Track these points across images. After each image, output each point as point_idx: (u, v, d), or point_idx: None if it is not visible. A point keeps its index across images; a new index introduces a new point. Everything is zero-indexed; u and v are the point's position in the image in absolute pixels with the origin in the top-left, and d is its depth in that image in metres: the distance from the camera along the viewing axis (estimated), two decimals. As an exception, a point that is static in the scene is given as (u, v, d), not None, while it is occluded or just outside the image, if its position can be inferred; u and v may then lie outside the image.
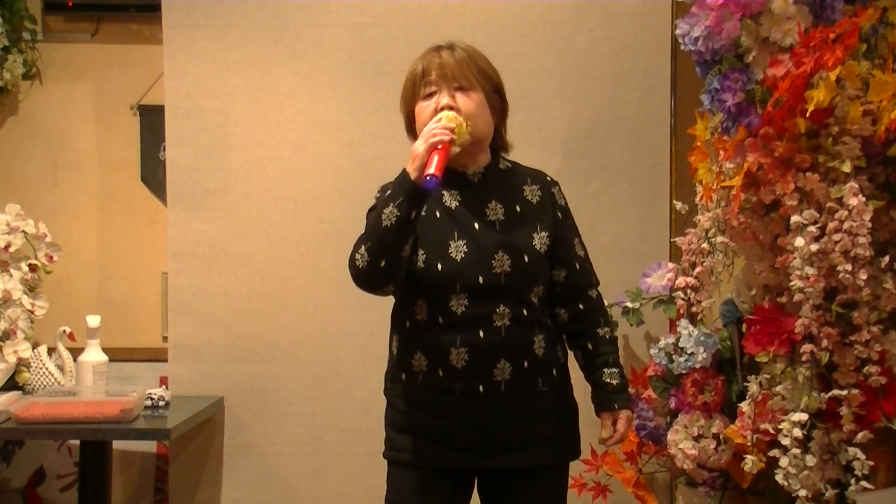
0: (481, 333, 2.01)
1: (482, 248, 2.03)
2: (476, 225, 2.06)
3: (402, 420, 2.09)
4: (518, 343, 2.04)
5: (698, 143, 2.37)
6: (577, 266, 2.16)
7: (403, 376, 2.09)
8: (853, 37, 1.98)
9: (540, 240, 2.09)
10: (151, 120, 3.29)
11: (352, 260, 2.00)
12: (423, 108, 2.06)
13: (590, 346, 2.16)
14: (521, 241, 2.07)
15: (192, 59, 2.97)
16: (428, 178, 1.89)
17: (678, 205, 2.66)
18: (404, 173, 1.95)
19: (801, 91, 2.01)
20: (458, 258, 2.02)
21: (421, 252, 2.02)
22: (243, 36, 2.98)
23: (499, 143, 2.18)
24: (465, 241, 2.04)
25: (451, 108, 2.02)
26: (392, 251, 1.96)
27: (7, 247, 2.90)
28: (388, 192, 1.98)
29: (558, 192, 2.19)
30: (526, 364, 2.04)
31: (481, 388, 2.02)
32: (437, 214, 2.06)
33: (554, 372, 2.11)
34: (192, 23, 2.97)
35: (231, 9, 2.97)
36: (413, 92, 2.09)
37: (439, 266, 2.02)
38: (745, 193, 2.17)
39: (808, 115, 2.00)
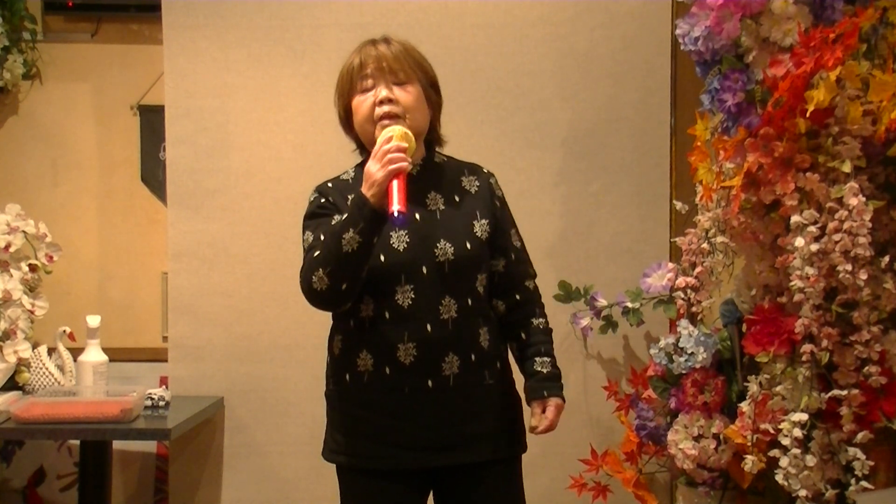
0: (429, 327, 2.00)
1: (424, 238, 2.03)
2: (417, 215, 2.06)
3: (349, 423, 2.07)
4: (465, 336, 2.04)
5: (698, 143, 2.37)
6: (514, 256, 2.17)
7: (347, 377, 2.06)
8: (853, 37, 1.97)
9: (481, 227, 2.10)
10: (151, 120, 3.29)
11: (307, 281, 1.97)
12: (361, 101, 2.06)
13: (523, 335, 2.16)
14: (462, 228, 2.07)
15: (192, 59, 2.98)
16: (396, 214, 1.88)
17: (678, 205, 2.66)
18: (362, 198, 1.93)
19: (801, 91, 2.00)
20: (401, 248, 2.02)
21: None
22: (243, 36, 2.98)
23: (433, 137, 2.17)
24: (406, 232, 2.03)
25: (389, 101, 2.02)
26: (354, 274, 1.95)
27: (7, 247, 2.91)
28: (346, 215, 1.96)
29: (495, 182, 2.20)
30: (473, 357, 2.04)
31: (430, 382, 2.01)
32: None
33: (498, 365, 2.11)
34: (192, 23, 2.97)
35: (231, 9, 2.97)
36: (350, 86, 2.09)
37: (382, 257, 2.01)
38: (745, 193, 2.17)
39: (808, 115, 2.00)
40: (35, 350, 2.94)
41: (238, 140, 2.99)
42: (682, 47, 2.22)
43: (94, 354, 2.90)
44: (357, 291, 1.99)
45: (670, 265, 2.69)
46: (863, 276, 1.98)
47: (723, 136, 2.20)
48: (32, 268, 2.98)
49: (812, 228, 2.01)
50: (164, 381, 3.09)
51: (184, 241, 2.98)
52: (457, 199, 2.12)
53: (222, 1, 2.97)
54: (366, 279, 2.00)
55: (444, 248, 2.03)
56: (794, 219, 2.03)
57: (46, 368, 2.93)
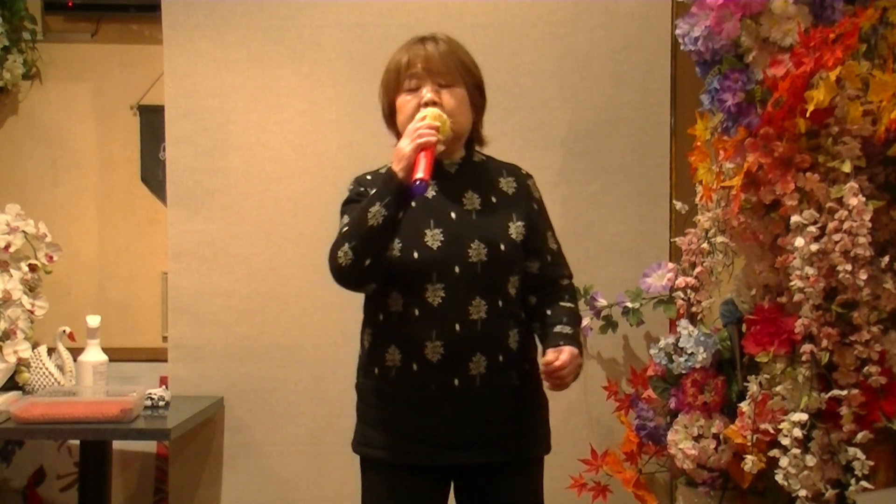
0: (457, 326, 2.00)
1: (458, 238, 2.03)
2: (453, 214, 2.06)
3: (375, 415, 2.08)
4: (494, 337, 2.03)
5: (698, 143, 2.37)
6: (549, 258, 2.16)
7: (376, 370, 2.07)
8: (853, 37, 1.98)
9: (516, 229, 2.09)
10: (151, 120, 3.29)
11: (333, 257, 1.99)
12: (406, 101, 2.07)
13: (548, 312, 2.11)
14: (498, 229, 2.07)
15: (192, 59, 2.98)
16: (417, 182, 1.90)
17: (678, 205, 2.66)
18: (390, 172, 1.95)
19: (801, 91, 2.01)
20: (435, 247, 2.02)
21: (397, 241, 2.01)
22: (243, 36, 2.98)
23: (474, 137, 2.17)
24: (441, 230, 2.04)
25: (434, 104, 2.02)
26: (378, 250, 1.96)
27: (7, 247, 2.90)
28: (374, 190, 1.98)
29: (533, 184, 2.20)
30: (501, 358, 2.04)
31: (456, 381, 2.01)
32: (413, 204, 2.03)
33: (526, 366, 2.10)
34: (192, 23, 2.97)
35: (231, 9, 2.97)
36: (396, 84, 2.09)
37: (415, 254, 2.01)
38: (745, 193, 2.17)
39: (808, 115, 2.00)
40: (35, 350, 2.94)
41: (238, 140, 2.99)
42: (682, 47, 2.22)
43: (94, 354, 2.90)
44: (381, 273, 1.99)
45: (670, 265, 2.69)
46: (863, 276, 1.98)
47: (723, 136, 2.20)
48: (32, 268, 2.97)
49: (812, 228, 2.01)
50: (163, 381, 3.09)
51: (184, 241, 2.98)
52: (493, 199, 2.11)
53: (222, 1, 2.97)
54: (397, 274, 2.01)
55: (478, 249, 2.03)
56: (794, 219, 2.03)
57: (46, 368, 2.93)
